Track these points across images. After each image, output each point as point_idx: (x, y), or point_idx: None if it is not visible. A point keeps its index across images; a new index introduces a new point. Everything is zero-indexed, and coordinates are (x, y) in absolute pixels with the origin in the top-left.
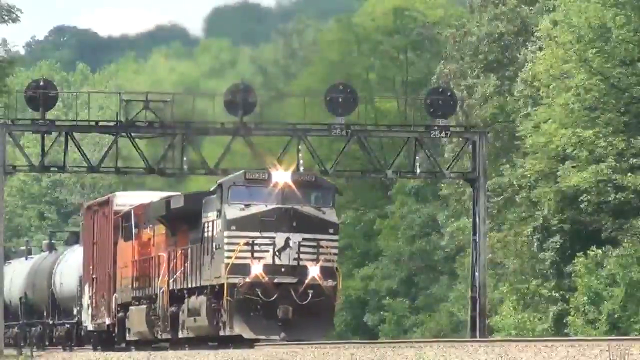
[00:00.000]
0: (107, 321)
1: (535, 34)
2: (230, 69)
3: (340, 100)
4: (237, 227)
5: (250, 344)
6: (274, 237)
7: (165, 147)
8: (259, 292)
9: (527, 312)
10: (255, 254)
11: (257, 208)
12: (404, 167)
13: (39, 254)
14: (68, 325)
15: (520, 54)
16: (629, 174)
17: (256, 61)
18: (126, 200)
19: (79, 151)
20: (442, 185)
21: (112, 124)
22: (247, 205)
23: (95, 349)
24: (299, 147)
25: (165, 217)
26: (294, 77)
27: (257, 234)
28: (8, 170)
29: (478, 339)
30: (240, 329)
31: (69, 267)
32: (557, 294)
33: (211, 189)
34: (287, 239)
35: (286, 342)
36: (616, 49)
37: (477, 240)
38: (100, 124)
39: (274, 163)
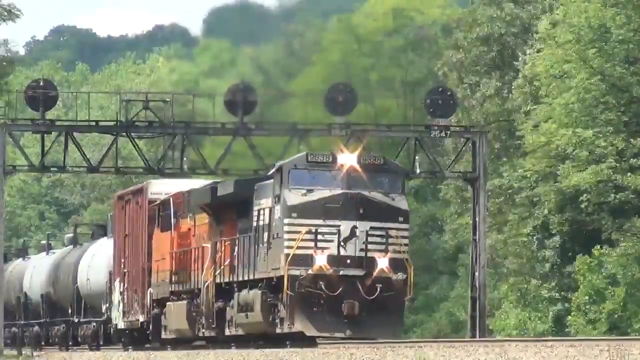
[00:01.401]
0: (141, 318)
1: (535, 35)
2: (230, 69)
3: (340, 100)
4: (299, 215)
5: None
6: (339, 226)
7: (165, 147)
8: (322, 286)
9: (527, 312)
10: (319, 244)
11: (321, 193)
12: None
13: (61, 249)
14: (95, 324)
15: (520, 55)
16: (629, 174)
17: (256, 61)
18: (161, 188)
19: (79, 151)
20: (442, 186)
21: (112, 124)
22: (310, 191)
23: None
24: (299, 147)
25: (210, 205)
26: (294, 77)
27: (320, 221)
28: (8, 170)
29: (478, 339)
30: (301, 325)
31: (97, 261)
32: (557, 294)
33: (269, 173)
34: (354, 228)
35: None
36: (616, 49)
37: (477, 240)
38: (100, 124)
39: (339, 146)
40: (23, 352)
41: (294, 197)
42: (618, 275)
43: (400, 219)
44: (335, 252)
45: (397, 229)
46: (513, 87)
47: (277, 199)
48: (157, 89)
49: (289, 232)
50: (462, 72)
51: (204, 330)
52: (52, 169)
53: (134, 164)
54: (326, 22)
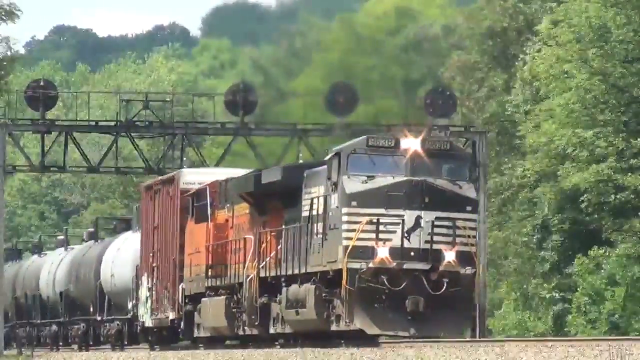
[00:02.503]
0: (171, 316)
1: (535, 36)
2: (230, 69)
3: (340, 100)
4: (359, 203)
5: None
6: (402, 216)
7: (165, 147)
8: (384, 280)
9: (527, 312)
10: (380, 235)
11: (383, 180)
12: None
13: (80, 244)
14: (119, 322)
15: (520, 54)
16: (629, 174)
17: (256, 61)
18: (194, 177)
19: (79, 151)
20: None
21: (112, 124)
22: (370, 177)
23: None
24: (300, 147)
25: (253, 194)
26: (295, 77)
27: (382, 211)
28: (8, 170)
29: (478, 339)
30: (362, 323)
31: (122, 256)
32: (557, 294)
33: (326, 158)
34: (418, 218)
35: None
36: (616, 49)
37: (477, 240)
38: (100, 124)
39: (402, 130)
40: (23, 352)
41: (353, 184)
42: (617, 276)
43: (469, 208)
44: (399, 244)
45: (465, 219)
46: (513, 88)
47: (334, 186)
48: (157, 89)
49: (348, 222)
50: (466, 72)
51: (245, 327)
52: (52, 169)
53: (134, 164)
54: (327, 21)
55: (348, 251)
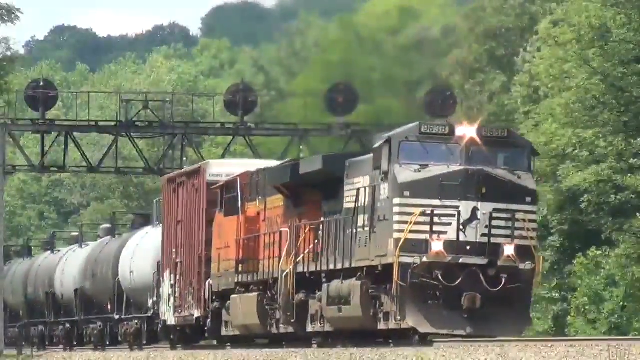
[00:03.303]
0: (196, 313)
1: (535, 36)
2: (230, 69)
3: (340, 100)
4: (412, 193)
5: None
6: (457, 207)
7: (165, 147)
8: (439, 276)
9: None
10: (435, 228)
11: (437, 169)
12: None
13: (96, 241)
14: (137, 321)
15: (521, 52)
16: (629, 174)
17: (257, 61)
18: (222, 169)
19: (79, 151)
20: None
21: (112, 124)
22: (424, 166)
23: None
24: (300, 147)
25: (288, 185)
26: (295, 77)
27: (436, 202)
28: (8, 170)
29: (478, 339)
30: (414, 321)
31: (142, 251)
32: (557, 294)
33: (375, 145)
34: (475, 209)
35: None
36: (616, 49)
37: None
38: (100, 124)
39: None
40: (23, 352)
41: (405, 173)
42: (617, 276)
43: (528, 199)
44: (454, 237)
45: (525, 212)
46: (513, 86)
47: (384, 175)
48: (157, 89)
49: (400, 213)
50: (464, 70)
51: (280, 325)
52: (52, 169)
53: (134, 164)
54: (327, 21)
55: (400, 244)
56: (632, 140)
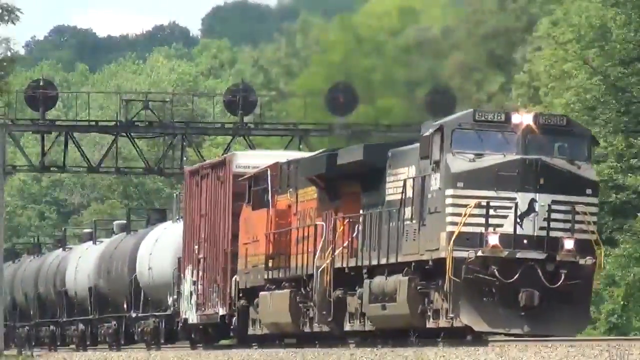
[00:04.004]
0: (221, 311)
1: (534, 34)
2: (230, 69)
3: (340, 100)
4: (466, 184)
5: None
6: (514, 199)
7: (165, 147)
8: (495, 271)
9: None
10: (490, 220)
11: (493, 159)
12: None
13: (111, 237)
14: (155, 319)
15: (519, 51)
16: (629, 174)
17: (257, 61)
18: (249, 160)
19: (79, 151)
20: None
21: (112, 124)
22: (479, 155)
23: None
24: (300, 147)
25: (324, 177)
26: (296, 76)
27: (492, 193)
28: (8, 170)
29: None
30: (469, 319)
31: (161, 247)
32: None
33: (424, 133)
34: (532, 201)
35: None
36: (616, 49)
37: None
38: (100, 124)
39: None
40: (23, 352)
41: (459, 163)
42: (617, 276)
43: (588, 191)
44: (511, 231)
45: (585, 204)
46: (513, 84)
47: (435, 165)
48: (157, 89)
49: (453, 205)
50: (464, 72)
51: (314, 324)
52: (52, 169)
53: (134, 164)
54: (327, 21)
55: (453, 238)
56: (632, 140)
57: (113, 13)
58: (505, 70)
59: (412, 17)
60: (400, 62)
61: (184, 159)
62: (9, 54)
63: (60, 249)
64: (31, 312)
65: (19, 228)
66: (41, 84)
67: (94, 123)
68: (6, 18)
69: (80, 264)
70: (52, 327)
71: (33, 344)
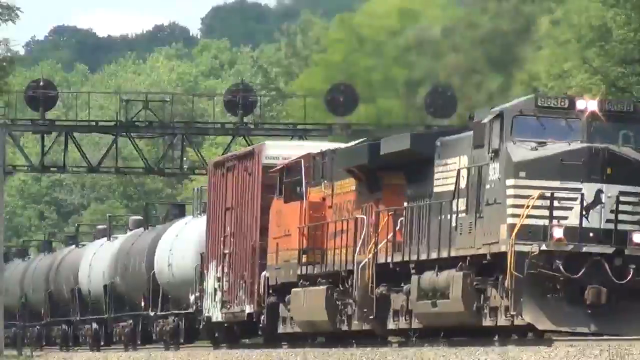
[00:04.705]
0: (249, 309)
1: (535, 33)
2: (230, 69)
3: (340, 100)
4: (528, 174)
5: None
6: (580, 189)
7: (165, 147)
8: (559, 266)
9: None
10: (555, 212)
11: (557, 147)
12: None
13: (127, 233)
14: (175, 318)
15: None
16: None
17: (256, 61)
18: (279, 151)
19: (79, 151)
20: None
21: (112, 124)
22: (541, 143)
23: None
24: None
25: (365, 168)
26: (296, 76)
27: (556, 183)
28: (8, 170)
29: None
30: (532, 316)
31: (182, 243)
32: None
33: (482, 120)
34: (599, 192)
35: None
36: (616, 49)
37: None
38: (100, 124)
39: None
40: (23, 352)
41: (521, 151)
42: None
43: None
44: (576, 223)
45: None
46: (514, 82)
47: (494, 154)
48: (157, 89)
49: (514, 196)
50: (462, 74)
51: (354, 322)
52: (52, 169)
53: (134, 164)
54: (328, 21)
55: (515, 231)
56: None
57: (113, 13)
58: (503, 71)
59: (412, 17)
60: (400, 62)
61: (184, 159)
62: (9, 54)
63: (73, 245)
64: (42, 311)
65: (19, 228)
66: (41, 84)
67: (94, 123)
68: (6, 17)
69: (95, 261)
70: (64, 326)
71: (44, 343)
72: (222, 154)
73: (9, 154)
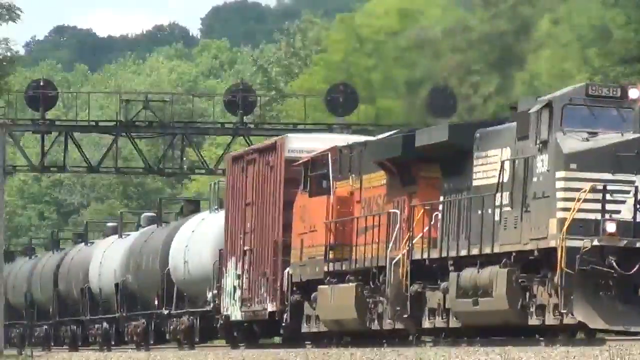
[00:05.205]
0: (270, 307)
1: (535, 33)
2: (230, 69)
3: (340, 100)
4: (579, 166)
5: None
6: (633, 182)
7: (165, 147)
8: (612, 262)
9: None
10: (607, 206)
11: (609, 138)
12: None
13: (139, 230)
14: (190, 317)
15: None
16: None
17: (257, 61)
18: (302, 144)
19: (79, 151)
20: None
21: (112, 124)
22: (593, 134)
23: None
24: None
25: (398, 160)
26: (296, 76)
27: (609, 175)
28: (8, 170)
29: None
30: (584, 315)
31: (198, 239)
32: None
33: (531, 110)
34: None
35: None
36: (616, 49)
37: None
38: (100, 124)
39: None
40: (23, 352)
41: (571, 142)
42: None
43: None
44: (629, 217)
45: None
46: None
47: (542, 145)
48: (157, 89)
49: (565, 189)
50: (461, 74)
51: (387, 320)
52: (52, 169)
53: (134, 164)
54: (328, 22)
55: (566, 225)
56: None
57: (113, 13)
58: (502, 71)
59: (412, 17)
60: (400, 63)
61: (184, 159)
62: (9, 54)
63: (82, 243)
64: (50, 311)
65: (19, 228)
66: (41, 84)
67: (94, 123)
68: (7, 17)
69: (106, 259)
70: (73, 326)
71: (52, 344)
72: (222, 154)
73: (9, 154)
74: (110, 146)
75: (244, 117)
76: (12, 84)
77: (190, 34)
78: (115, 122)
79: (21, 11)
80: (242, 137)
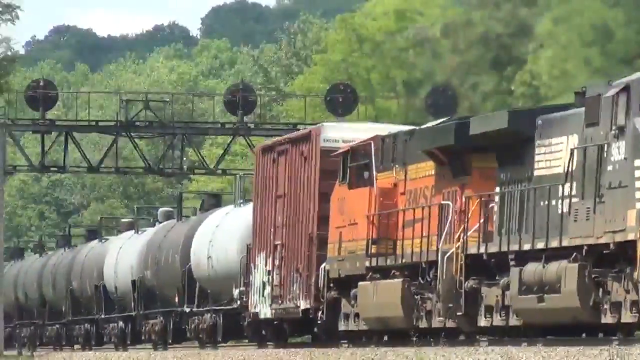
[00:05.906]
0: (304, 304)
1: (535, 33)
2: (230, 69)
3: (340, 100)
4: None
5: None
6: None
7: (165, 147)
8: None
9: None
10: None
11: None
12: None
13: (157, 225)
14: (213, 315)
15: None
16: None
17: (257, 61)
18: (338, 133)
19: (79, 151)
20: None
21: (112, 124)
22: None
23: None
24: None
25: (451, 150)
26: (296, 76)
27: None
28: (8, 170)
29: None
30: None
31: (224, 234)
32: None
33: (606, 94)
34: None
35: None
36: (617, 49)
37: None
38: (100, 124)
39: None
40: (22, 353)
41: None
42: None
43: None
44: None
45: None
46: (515, 82)
47: (618, 131)
48: (157, 89)
49: None
50: (460, 74)
51: (438, 318)
52: (52, 169)
53: (134, 164)
54: (328, 22)
55: None
56: None
57: (113, 13)
58: (501, 71)
59: (412, 17)
60: (399, 62)
61: (184, 158)
62: (9, 53)
63: (96, 240)
64: (63, 310)
65: (19, 228)
66: (41, 84)
67: (94, 123)
68: (7, 17)
69: (122, 256)
70: (86, 325)
71: (64, 343)
72: (222, 154)
73: (9, 154)
74: (110, 146)
75: (244, 117)
76: (12, 84)
77: (190, 34)
78: (115, 122)
79: (21, 10)
80: (242, 137)
